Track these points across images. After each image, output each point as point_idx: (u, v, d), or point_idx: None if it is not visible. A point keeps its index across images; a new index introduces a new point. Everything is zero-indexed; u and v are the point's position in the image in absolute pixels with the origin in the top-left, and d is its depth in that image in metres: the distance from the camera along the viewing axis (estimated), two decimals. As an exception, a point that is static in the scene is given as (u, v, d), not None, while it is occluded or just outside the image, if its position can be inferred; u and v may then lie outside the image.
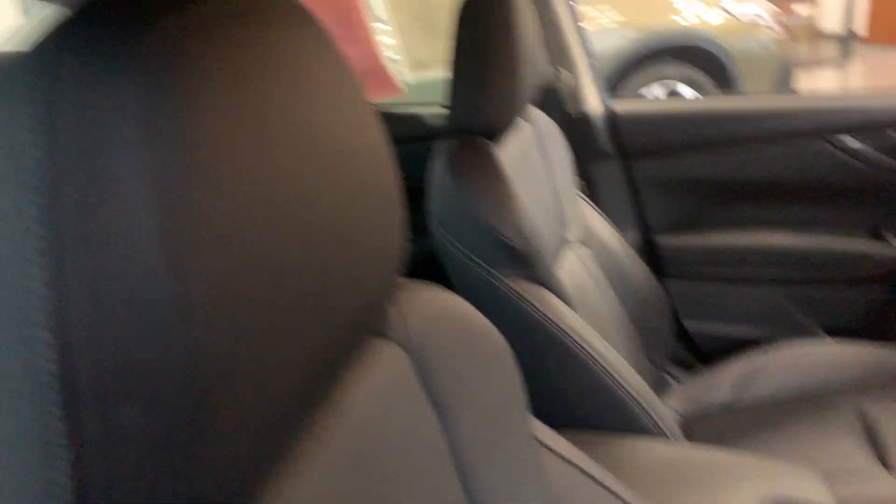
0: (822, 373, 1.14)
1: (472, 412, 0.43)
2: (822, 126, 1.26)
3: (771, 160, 1.30)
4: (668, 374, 1.31)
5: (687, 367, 1.32)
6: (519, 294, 0.80)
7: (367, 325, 0.38)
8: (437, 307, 0.45)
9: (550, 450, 0.51)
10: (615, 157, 1.39)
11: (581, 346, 0.83)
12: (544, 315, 0.82)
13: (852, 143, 1.25)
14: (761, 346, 1.23)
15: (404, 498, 0.37)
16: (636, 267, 1.26)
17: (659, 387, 1.24)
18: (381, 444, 0.36)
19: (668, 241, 1.42)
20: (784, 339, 1.23)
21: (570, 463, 0.52)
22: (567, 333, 0.83)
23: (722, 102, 1.35)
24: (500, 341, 0.47)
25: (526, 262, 0.83)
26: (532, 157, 1.04)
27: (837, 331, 1.30)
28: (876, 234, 1.32)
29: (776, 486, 0.71)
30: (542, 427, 0.52)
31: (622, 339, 1.12)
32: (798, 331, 1.30)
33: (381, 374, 0.38)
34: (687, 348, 1.44)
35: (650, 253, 1.41)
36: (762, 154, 1.30)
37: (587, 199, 1.25)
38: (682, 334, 1.45)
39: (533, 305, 0.81)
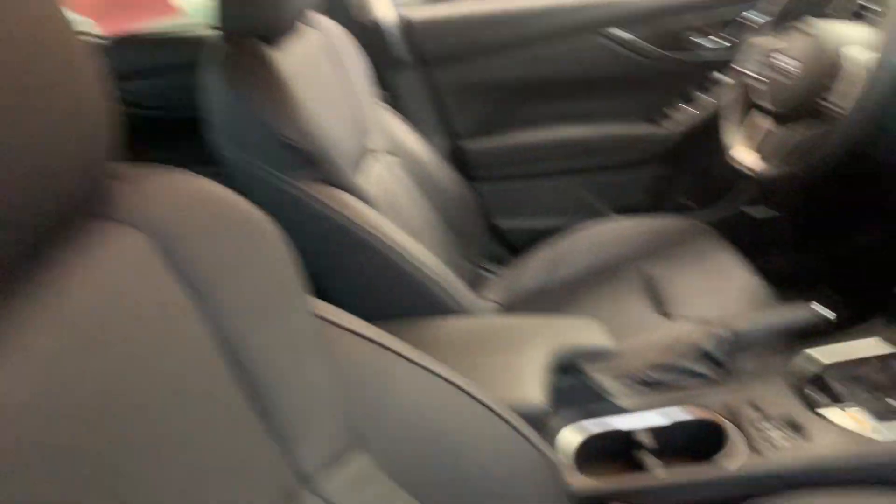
0: (613, 247, 1.27)
1: (236, 296, 0.41)
2: (596, 20, 1.35)
3: (555, 57, 1.38)
4: (485, 269, 1.38)
5: (502, 262, 1.41)
6: (314, 197, 0.79)
7: (83, 206, 0.35)
8: (190, 192, 0.42)
9: (337, 325, 0.51)
10: (414, 65, 1.39)
11: (385, 243, 0.84)
12: (345, 216, 0.81)
13: (623, 34, 1.36)
14: (564, 232, 1.34)
15: (153, 382, 0.35)
16: (444, 173, 1.29)
17: (476, 282, 1.31)
18: (113, 328, 0.34)
19: (474, 145, 1.47)
20: (582, 223, 1.35)
21: (359, 336, 0.52)
22: (370, 233, 0.83)
23: (506, 4, 1.38)
24: (266, 226, 0.45)
25: (318, 165, 0.82)
26: (320, 64, 1.00)
27: (626, 209, 1.45)
28: (650, 119, 1.46)
29: (564, 339, 0.79)
30: (328, 307, 0.52)
31: (435, 242, 1.16)
32: (594, 214, 1.43)
33: (109, 258, 0.35)
34: (501, 244, 1.52)
35: (458, 158, 1.45)
36: (547, 52, 1.37)
37: (390, 108, 1.25)
38: (495, 232, 1.53)
39: (331, 208, 0.80)
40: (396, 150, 1.19)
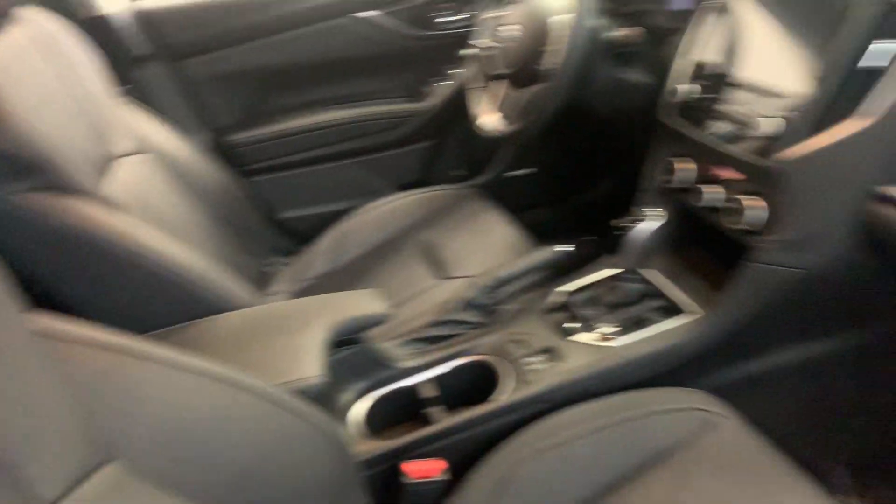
0: (393, 223, 1.32)
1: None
2: (340, 4, 1.37)
3: (305, 42, 1.38)
4: (274, 263, 1.36)
5: (292, 253, 1.39)
6: (31, 209, 0.71)
7: None
8: None
9: (69, 338, 0.47)
10: (157, 59, 1.31)
11: (135, 250, 0.79)
12: (76, 226, 0.74)
13: (370, 15, 1.39)
14: (348, 214, 1.36)
15: None
16: (210, 169, 1.23)
17: (265, 277, 1.28)
18: None
19: (240, 138, 1.43)
20: (365, 204, 1.37)
21: (96, 345, 0.49)
22: (113, 239, 0.77)
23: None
24: None
25: (40, 172, 0.74)
26: (32, 63, 0.90)
27: (405, 186, 1.50)
28: (411, 95, 1.53)
29: (342, 313, 0.81)
30: (56, 321, 0.48)
31: (205, 241, 1.10)
32: (375, 193, 1.46)
33: None
34: (288, 236, 1.50)
35: (226, 152, 1.40)
36: (296, 38, 1.37)
37: (138, 105, 1.16)
38: (281, 224, 1.50)
39: (57, 218, 0.73)
40: (148, 149, 1.11)
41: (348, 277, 1.23)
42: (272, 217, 1.49)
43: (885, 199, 0.72)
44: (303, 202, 1.52)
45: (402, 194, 1.41)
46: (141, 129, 1.12)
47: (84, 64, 1.02)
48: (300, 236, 1.49)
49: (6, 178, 0.70)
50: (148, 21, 1.29)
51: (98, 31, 1.20)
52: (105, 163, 0.97)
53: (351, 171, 1.52)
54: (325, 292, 1.20)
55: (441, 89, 1.50)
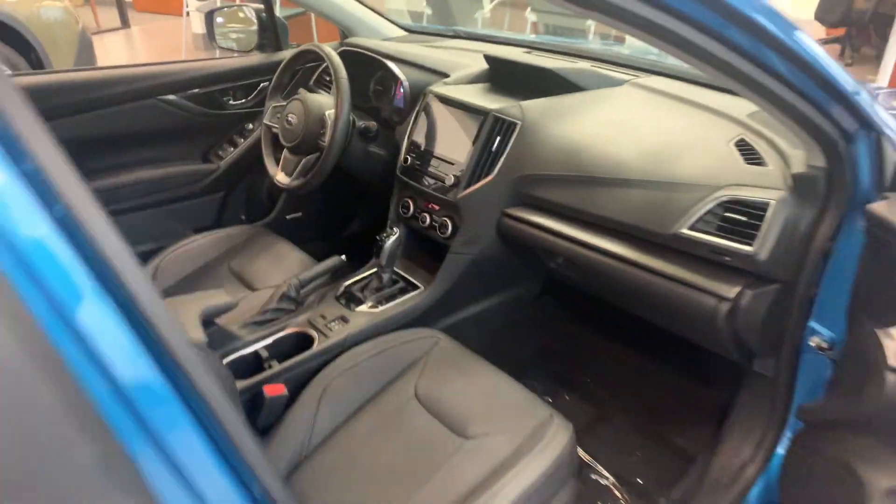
0: (203, 255, 1.71)
1: None
2: (147, 89, 1.75)
3: (121, 117, 1.72)
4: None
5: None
6: None
7: None
8: None
9: None
10: None
11: None
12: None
13: (173, 98, 1.80)
14: (157, 254, 1.70)
15: None
16: None
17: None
18: None
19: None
20: (172, 241, 1.73)
21: None
22: None
23: (75, 74, 1.66)
24: None
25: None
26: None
27: (202, 228, 1.88)
28: (206, 159, 1.95)
29: (203, 303, 1.23)
30: None
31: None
32: (178, 235, 1.82)
33: None
34: None
35: None
36: (114, 113, 1.71)
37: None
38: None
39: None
40: None
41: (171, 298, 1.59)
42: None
43: (506, 215, 1.42)
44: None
45: (202, 235, 1.80)
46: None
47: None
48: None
49: None
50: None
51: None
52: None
53: (157, 218, 1.87)
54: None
55: (229, 153, 1.94)
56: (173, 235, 1.81)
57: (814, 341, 1.10)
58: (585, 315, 1.69)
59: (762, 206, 1.06)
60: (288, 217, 2.00)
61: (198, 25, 6.04)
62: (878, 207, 0.92)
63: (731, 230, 1.08)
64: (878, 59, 4.56)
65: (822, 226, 1.03)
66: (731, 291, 1.10)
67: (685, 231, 1.12)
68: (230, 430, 0.48)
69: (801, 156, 1.08)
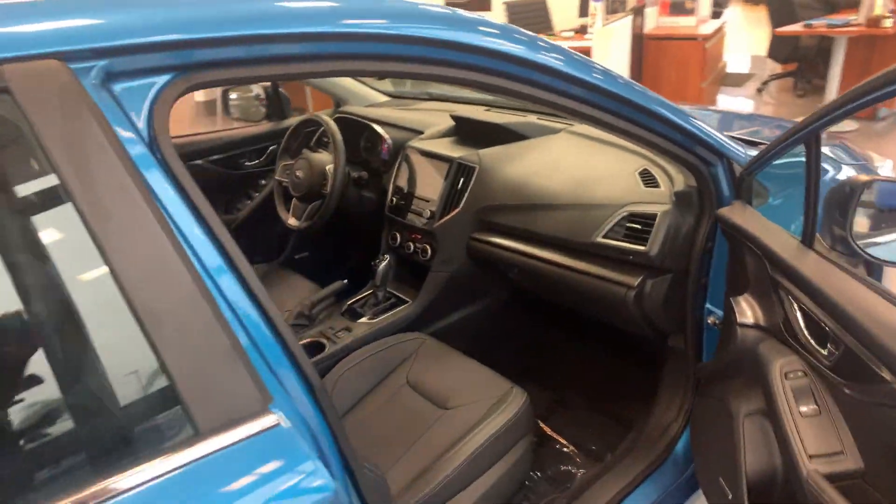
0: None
1: None
2: (184, 155, 2.14)
3: None
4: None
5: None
6: None
7: None
8: None
9: None
10: None
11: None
12: None
13: (199, 163, 2.20)
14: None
15: None
16: None
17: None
18: None
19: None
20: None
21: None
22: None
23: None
24: None
25: None
26: None
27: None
28: (227, 210, 2.34)
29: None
30: None
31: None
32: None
33: None
34: None
35: None
36: None
37: None
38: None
39: None
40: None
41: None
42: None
43: (473, 238, 1.80)
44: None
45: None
46: None
47: None
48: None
49: None
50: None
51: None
52: None
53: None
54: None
55: (246, 205, 2.34)
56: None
57: (711, 319, 1.46)
58: (545, 317, 2.05)
59: (652, 217, 1.43)
60: (296, 257, 2.38)
61: (199, 95, 6.56)
62: (724, 211, 1.30)
63: (632, 236, 1.46)
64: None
65: (700, 229, 1.41)
66: (635, 281, 1.46)
67: (600, 239, 1.50)
68: (301, 363, 0.80)
69: (682, 178, 1.47)
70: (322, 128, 2.03)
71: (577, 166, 1.71)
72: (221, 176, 2.26)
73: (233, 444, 0.68)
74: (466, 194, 1.79)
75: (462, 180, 1.80)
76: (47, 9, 0.68)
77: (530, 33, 1.06)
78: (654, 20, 5.55)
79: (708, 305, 1.47)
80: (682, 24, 5.51)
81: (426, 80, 1.10)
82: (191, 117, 6.56)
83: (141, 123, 0.72)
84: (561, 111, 1.11)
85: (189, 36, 0.74)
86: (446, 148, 1.91)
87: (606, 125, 1.16)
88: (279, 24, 0.80)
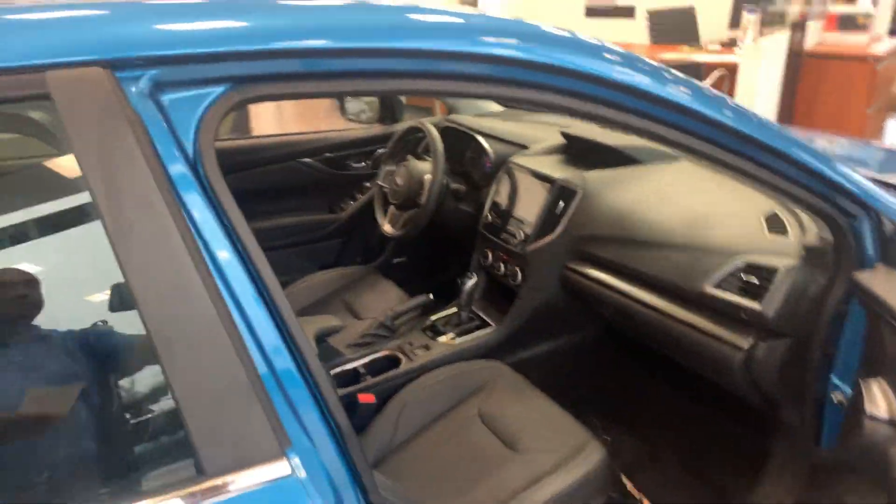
0: (321, 290, 2.08)
1: None
2: (292, 153, 2.20)
3: (273, 174, 2.18)
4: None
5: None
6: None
7: None
8: None
9: None
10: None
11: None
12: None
13: (309, 161, 2.24)
14: (286, 286, 2.10)
15: None
16: None
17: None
18: None
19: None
20: (299, 278, 2.13)
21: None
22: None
23: (241, 141, 2.15)
24: None
25: None
26: None
27: (325, 266, 2.28)
28: (331, 210, 2.36)
29: (317, 325, 1.57)
30: None
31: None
32: (306, 271, 2.21)
33: None
34: None
35: None
36: (268, 171, 2.16)
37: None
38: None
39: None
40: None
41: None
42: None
43: (567, 268, 1.67)
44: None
45: (324, 272, 2.18)
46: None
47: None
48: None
49: None
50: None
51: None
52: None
53: (290, 255, 2.29)
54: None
55: (349, 206, 2.35)
56: (302, 271, 2.21)
57: (836, 396, 1.24)
58: (641, 360, 1.87)
59: (773, 271, 1.23)
60: (394, 261, 2.36)
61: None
62: (863, 276, 1.08)
63: (747, 290, 1.26)
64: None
65: (833, 290, 1.19)
66: (746, 342, 1.27)
67: (710, 289, 1.32)
68: (330, 402, 0.74)
69: (816, 228, 1.25)
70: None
71: (694, 201, 1.52)
72: (327, 175, 2.29)
73: (238, 492, 0.63)
74: (565, 219, 1.65)
75: (562, 204, 1.67)
76: (97, 15, 0.66)
77: (655, 63, 0.94)
78: (817, 36, 5.00)
79: (834, 380, 1.25)
80: (851, 41, 4.91)
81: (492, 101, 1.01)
82: (327, 111, 6.83)
83: (186, 137, 0.69)
84: (679, 149, 0.97)
85: (246, 48, 0.70)
86: (550, 167, 1.79)
87: (732, 168, 1.00)
88: (341, 38, 0.74)
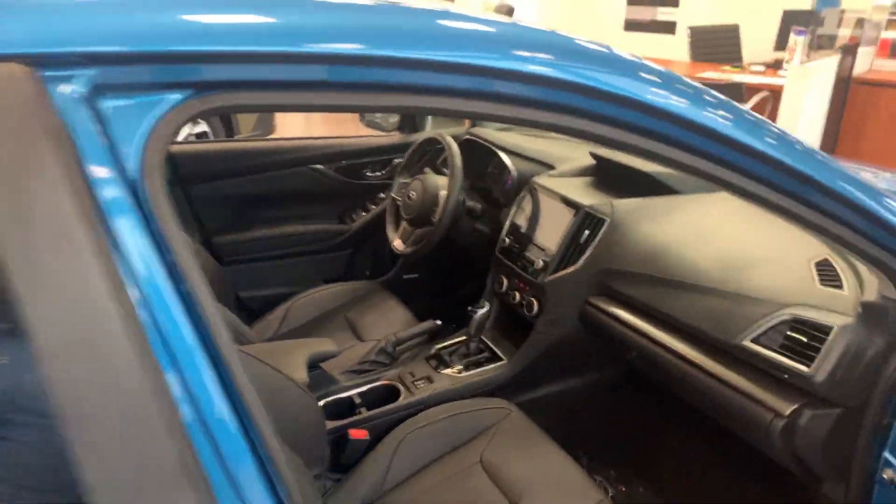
0: (325, 304, 1.96)
1: None
2: (301, 158, 2.08)
3: (282, 179, 2.06)
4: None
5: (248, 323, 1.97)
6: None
7: None
8: None
9: None
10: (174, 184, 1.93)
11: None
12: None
13: (320, 168, 2.12)
14: (290, 298, 1.98)
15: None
16: (203, 257, 1.83)
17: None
18: None
19: (225, 239, 2.04)
20: (303, 289, 2.01)
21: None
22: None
23: (245, 144, 2.03)
24: None
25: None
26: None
27: (330, 280, 2.16)
28: (341, 220, 2.24)
29: (311, 349, 1.45)
30: None
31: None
32: (310, 283, 2.10)
33: None
34: (246, 312, 2.08)
35: (210, 249, 2.01)
36: (277, 176, 2.05)
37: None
38: (240, 304, 2.10)
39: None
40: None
41: (294, 338, 1.85)
42: (235, 296, 2.09)
43: (589, 304, 1.52)
44: (261, 286, 2.12)
45: (330, 285, 2.06)
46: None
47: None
48: (253, 311, 2.08)
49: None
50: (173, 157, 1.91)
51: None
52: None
53: (298, 265, 2.17)
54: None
55: (361, 217, 2.22)
56: (306, 283, 2.10)
57: (887, 474, 1.08)
58: (667, 410, 1.71)
59: (825, 330, 1.07)
60: (405, 277, 2.22)
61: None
62: None
63: (793, 349, 1.10)
64: None
65: (892, 357, 1.03)
66: (788, 408, 1.11)
67: (748, 343, 1.16)
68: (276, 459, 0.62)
69: (876, 282, 1.09)
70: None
71: (734, 240, 1.36)
72: (339, 184, 2.16)
73: None
74: (589, 250, 1.50)
75: (588, 233, 1.52)
76: (25, 2, 0.54)
77: (694, 83, 0.79)
78: (869, 62, 4.76)
79: (887, 455, 1.08)
80: (904, 69, 4.68)
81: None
82: (340, 121, 6.66)
83: (128, 153, 0.56)
84: (710, 180, 0.82)
85: (217, 48, 0.57)
86: (577, 191, 1.64)
87: (772, 206, 0.85)
88: (329, 39, 0.61)
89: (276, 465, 0.58)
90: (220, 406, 0.56)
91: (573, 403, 1.70)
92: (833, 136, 4.44)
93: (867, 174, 1.93)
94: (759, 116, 0.84)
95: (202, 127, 3.40)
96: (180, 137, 3.82)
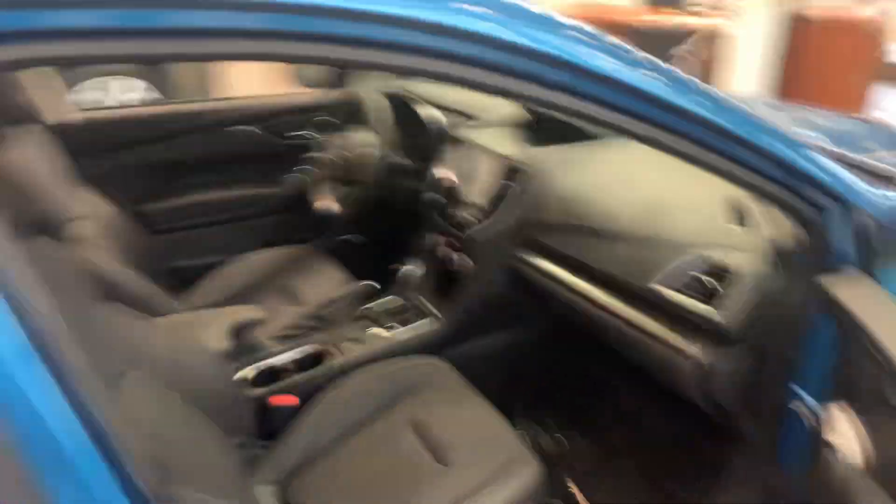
0: (259, 270, 1.91)
1: None
2: (231, 119, 2.00)
3: (212, 142, 1.97)
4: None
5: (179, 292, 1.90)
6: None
7: None
8: None
9: None
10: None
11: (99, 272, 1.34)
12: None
13: (252, 128, 2.03)
14: (225, 265, 1.93)
15: None
16: (129, 227, 1.76)
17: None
18: None
19: (153, 207, 1.96)
20: (236, 257, 1.95)
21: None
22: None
23: (153, 109, 1.93)
24: None
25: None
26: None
27: (265, 244, 2.09)
28: (272, 183, 2.17)
29: (235, 316, 1.41)
30: None
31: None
32: (248, 249, 2.03)
33: None
34: (182, 283, 2.01)
35: (142, 216, 1.92)
36: (207, 139, 1.96)
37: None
38: (176, 273, 2.03)
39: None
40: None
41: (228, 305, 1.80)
42: (167, 265, 2.02)
43: (515, 257, 1.50)
44: (195, 253, 2.06)
45: (262, 252, 2.00)
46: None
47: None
48: (191, 281, 2.02)
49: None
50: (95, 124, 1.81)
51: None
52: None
53: (228, 233, 2.11)
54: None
55: (291, 179, 2.15)
56: (244, 249, 2.03)
57: (797, 406, 1.10)
58: (598, 357, 1.73)
59: (729, 270, 1.07)
60: (341, 238, 2.18)
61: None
62: (826, 280, 0.93)
63: (698, 289, 1.11)
64: None
65: (794, 294, 1.04)
66: (700, 352, 1.12)
67: (657, 286, 1.16)
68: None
69: (782, 223, 1.09)
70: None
71: (655, 185, 1.35)
72: (271, 144, 2.09)
73: None
74: (514, 202, 1.48)
75: (511, 184, 1.49)
76: None
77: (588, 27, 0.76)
78: (816, -1, 4.74)
79: (796, 390, 1.10)
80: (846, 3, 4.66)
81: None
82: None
83: None
84: (615, 130, 0.80)
85: None
86: (499, 141, 1.61)
87: (681, 154, 0.83)
88: None
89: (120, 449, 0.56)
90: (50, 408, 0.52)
91: (509, 358, 1.70)
92: (780, 77, 4.45)
93: (821, 120, 1.93)
94: (664, 65, 0.82)
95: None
96: (112, 102, 3.68)
